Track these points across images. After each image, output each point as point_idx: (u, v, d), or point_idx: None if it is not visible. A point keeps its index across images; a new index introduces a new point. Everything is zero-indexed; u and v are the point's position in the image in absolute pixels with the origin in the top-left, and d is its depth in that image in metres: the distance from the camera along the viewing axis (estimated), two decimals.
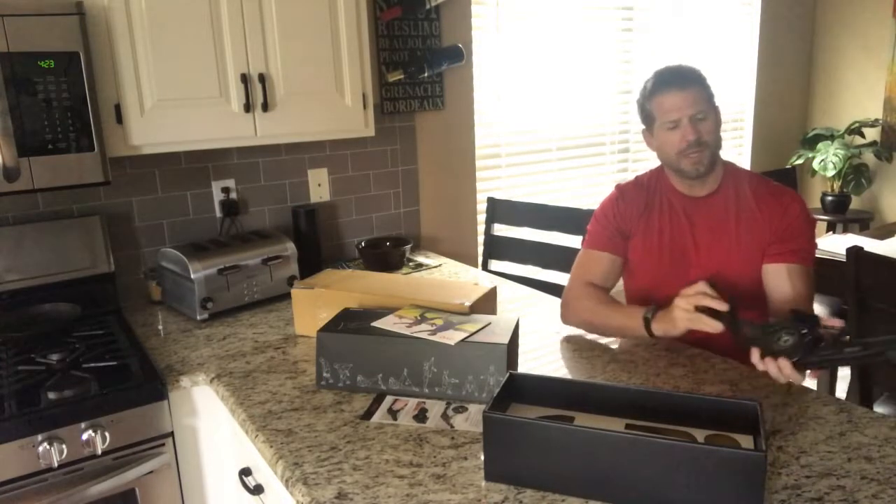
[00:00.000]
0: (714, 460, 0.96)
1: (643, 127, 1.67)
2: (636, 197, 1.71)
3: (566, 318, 1.72)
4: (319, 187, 2.42)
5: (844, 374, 1.67)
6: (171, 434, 1.58)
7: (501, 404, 1.16)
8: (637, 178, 1.76)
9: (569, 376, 1.50)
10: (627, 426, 1.15)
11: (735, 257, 1.60)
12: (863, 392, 2.02)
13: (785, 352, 1.14)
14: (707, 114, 1.55)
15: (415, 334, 1.40)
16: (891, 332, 1.07)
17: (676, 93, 1.54)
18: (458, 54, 2.56)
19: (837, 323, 1.18)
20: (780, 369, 1.19)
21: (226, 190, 2.23)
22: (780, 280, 1.55)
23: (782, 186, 1.64)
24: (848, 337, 1.13)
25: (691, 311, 1.35)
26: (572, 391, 1.19)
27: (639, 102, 1.65)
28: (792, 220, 1.57)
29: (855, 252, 1.94)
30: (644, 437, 1.00)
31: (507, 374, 1.23)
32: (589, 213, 2.35)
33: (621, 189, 1.74)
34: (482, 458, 1.16)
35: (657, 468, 0.99)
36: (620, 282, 1.78)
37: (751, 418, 1.08)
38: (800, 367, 1.18)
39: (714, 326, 1.31)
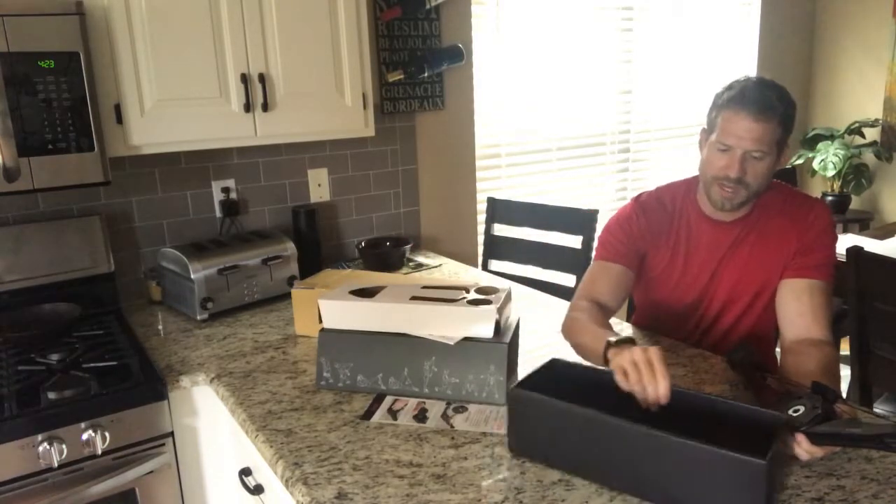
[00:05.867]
0: (718, 463, 0.96)
1: (704, 126, 1.53)
2: (659, 217, 1.62)
3: (564, 333, 1.56)
4: (319, 187, 2.42)
5: (844, 375, 1.66)
6: (171, 434, 1.58)
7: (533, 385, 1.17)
8: (659, 191, 1.66)
9: None
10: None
11: (754, 278, 1.55)
12: (863, 392, 2.02)
13: (791, 421, 1.08)
14: (766, 155, 1.42)
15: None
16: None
17: (745, 119, 1.39)
18: (458, 54, 2.56)
19: (847, 409, 1.14)
20: (798, 445, 1.08)
21: (226, 190, 2.23)
22: (797, 296, 1.48)
23: (812, 199, 1.59)
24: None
25: (637, 365, 1.14)
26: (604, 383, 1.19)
27: (713, 102, 1.49)
28: (816, 234, 1.51)
29: (855, 252, 1.94)
30: (656, 433, 1.01)
31: (550, 359, 1.25)
32: (589, 213, 2.36)
33: (642, 204, 1.64)
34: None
35: (665, 464, 1.00)
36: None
37: (769, 427, 1.06)
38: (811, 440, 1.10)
39: (643, 401, 1.14)
